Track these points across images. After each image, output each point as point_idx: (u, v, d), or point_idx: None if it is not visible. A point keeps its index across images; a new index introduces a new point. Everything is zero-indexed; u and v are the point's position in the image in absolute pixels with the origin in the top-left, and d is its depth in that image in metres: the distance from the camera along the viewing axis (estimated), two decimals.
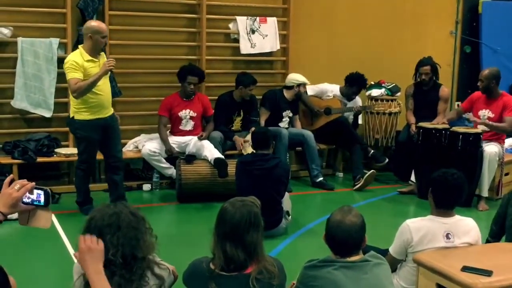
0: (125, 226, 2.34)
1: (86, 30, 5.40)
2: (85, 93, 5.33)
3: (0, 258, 4.67)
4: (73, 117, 5.50)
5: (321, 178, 7.04)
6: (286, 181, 5.40)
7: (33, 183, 2.30)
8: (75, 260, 2.43)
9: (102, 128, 5.55)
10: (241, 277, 2.58)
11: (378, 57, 7.90)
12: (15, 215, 2.32)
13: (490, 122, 6.30)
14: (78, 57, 5.34)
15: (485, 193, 6.27)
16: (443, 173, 3.66)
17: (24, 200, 2.32)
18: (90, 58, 5.38)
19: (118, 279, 2.30)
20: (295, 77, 7.17)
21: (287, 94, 7.18)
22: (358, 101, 7.61)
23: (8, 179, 2.28)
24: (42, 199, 2.30)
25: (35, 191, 2.31)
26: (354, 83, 7.42)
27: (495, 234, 4.11)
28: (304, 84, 7.16)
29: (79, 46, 5.47)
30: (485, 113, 6.44)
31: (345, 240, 2.78)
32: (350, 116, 7.60)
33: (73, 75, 5.28)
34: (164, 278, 2.48)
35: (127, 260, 2.31)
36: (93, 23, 5.47)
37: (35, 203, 2.30)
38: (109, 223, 2.33)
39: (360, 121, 7.66)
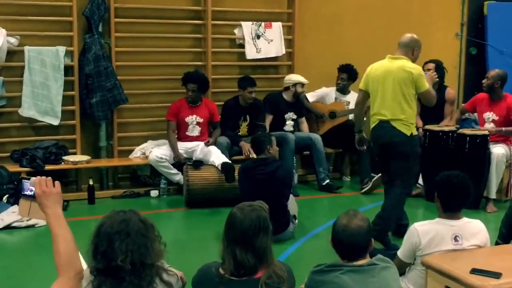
0: (134, 233, 2.34)
1: (414, 43, 5.00)
2: None
3: (10, 265, 4.72)
4: (411, 133, 4.99)
5: (327, 181, 7.03)
6: (290, 182, 5.40)
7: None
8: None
9: None
10: (250, 281, 2.58)
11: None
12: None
13: (504, 128, 6.29)
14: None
15: (493, 195, 6.25)
16: (447, 176, 3.65)
17: (26, 193, 2.33)
18: None
19: (127, 285, 2.31)
20: (290, 77, 7.22)
21: (286, 95, 7.20)
22: None
23: (42, 180, 2.29)
24: None
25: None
26: (339, 70, 7.48)
27: (504, 237, 4.11)
28: (301, 84, 7.14)
29: (404, 59, 4.97)
30: (489, 115, 6.44)
31: (352, 244, 2.78)
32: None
33: (428, 85, 4.96)
34: (173, 285, 2.48)
35: (136, 266, 2.32)
36: (418, 37, 5.06)
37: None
38: (118, 230, 2.34)
39: (364, 118, 7.64)
